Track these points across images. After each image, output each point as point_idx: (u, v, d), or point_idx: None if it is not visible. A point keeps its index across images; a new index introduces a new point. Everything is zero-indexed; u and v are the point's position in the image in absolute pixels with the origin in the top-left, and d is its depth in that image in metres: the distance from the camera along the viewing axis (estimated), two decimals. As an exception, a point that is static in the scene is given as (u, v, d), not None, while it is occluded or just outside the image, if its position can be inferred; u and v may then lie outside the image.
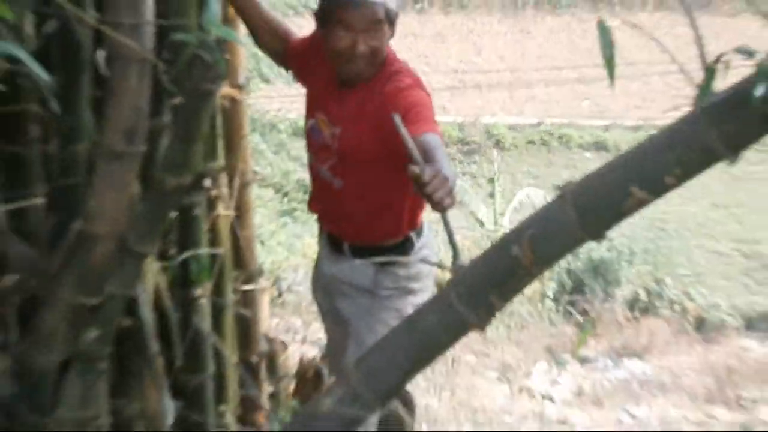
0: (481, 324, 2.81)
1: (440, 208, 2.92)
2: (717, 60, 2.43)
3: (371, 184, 3.86)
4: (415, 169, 2.87)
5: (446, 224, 2.91)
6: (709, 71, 2.41)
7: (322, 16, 3.82)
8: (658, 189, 2.61)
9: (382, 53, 3.80)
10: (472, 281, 2.80)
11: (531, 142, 24.42)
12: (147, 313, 3.74)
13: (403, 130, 2.83)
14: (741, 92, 2.40)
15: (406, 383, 3.09)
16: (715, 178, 17.76)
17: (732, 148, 2.48)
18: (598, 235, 2.69)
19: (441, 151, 3.34)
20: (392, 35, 3.85)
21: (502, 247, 2.74)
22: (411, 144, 2.83)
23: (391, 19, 3.77)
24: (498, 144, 23.63)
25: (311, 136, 4.03)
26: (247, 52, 4.43)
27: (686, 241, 18.34)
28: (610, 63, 2.47)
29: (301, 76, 4.10)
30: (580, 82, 24.60)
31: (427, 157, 3.11)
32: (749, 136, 2.46)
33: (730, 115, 2.47)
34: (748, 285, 18.11)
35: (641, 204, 2.65)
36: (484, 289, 2.79)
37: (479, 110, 23.92)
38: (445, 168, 3.08)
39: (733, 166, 2.56)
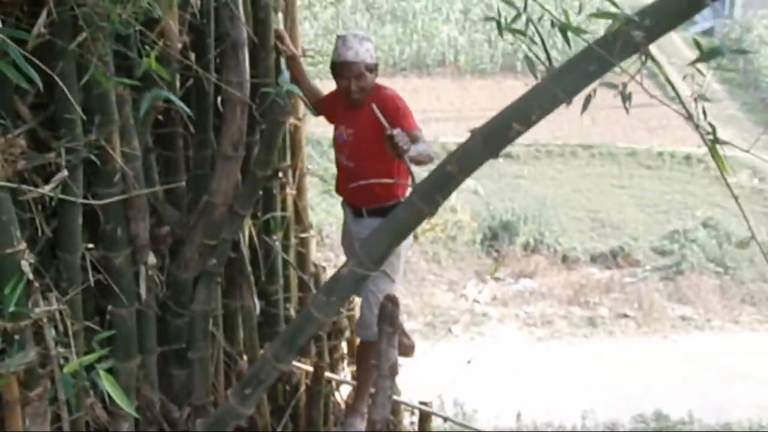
0: (431, 213, 4.65)
1: (401, 151, 5.03)
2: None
3: (370, 160, 5.98)
4: (389, 130, 5.06)
5: (406, 161, 4.96)
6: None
7: (333, 72, 6.02)
8: (528, 122, 4.26)
9: (369, 87, 5.97)
10: (425, 187, 4.62)
11: None
12: (244, 250, 5.88)
13: (379, 114, 5.02)
14: (568, 64, 4.06)
15: (389, 253, 5.02)
16: (572, 174, 28.11)
17: (568, 94, 4.07)
18: (494, 154, 4.45)
19: (421, 136, 5.55)
20: (376, 76, 6.03)
21: (443, 166, 4.54)
22: (384, 121, 4.98)
23: (370, 69, 5.96)
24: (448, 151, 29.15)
25: (337, 139, 6.16)
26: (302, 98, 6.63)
27: (557, 211, 26.26)
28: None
29: (327, 115, 6.23)
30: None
31: (413, 140, 5.27)
32: (576, 89, 4.04)
33: (565, 75, 4.06)
34: (592, 237, 26.27)
35: (519, 134, 4.31)
36: (432, 191, 4.59)
37: (438, 134, 29.51)
38: (420, 143, 5.30)
39: (568, 107, 4.17)
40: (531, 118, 4.24)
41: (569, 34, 4.08)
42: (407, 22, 45.26)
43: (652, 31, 3.78)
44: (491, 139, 4.39)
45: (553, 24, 4.07)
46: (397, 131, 5.10)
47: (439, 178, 4.58)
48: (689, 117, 3.80)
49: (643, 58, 3.84)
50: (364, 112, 5.88)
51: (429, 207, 4.61)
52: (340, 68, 5.84)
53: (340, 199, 6.21)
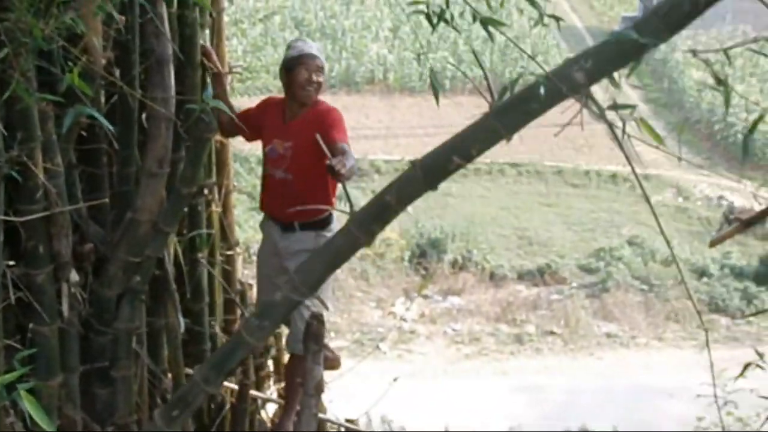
0: (368, 242, 4.65)
1: (341, 177, 5.13)
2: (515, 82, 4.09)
3: (310, 173, 6.01)
4: (330, 160, 5.12)
5: (344, 187, 4.95)
6: (503, 90, 4.08)
7: (290, 64, 6.03)
8: (467, 156, 4.28)
9: (321, 86, 6.02)
10: (363, 217, 4.60)
11: (397, 169, 32.11)
12: (169, 267, 5.85)
13: (322, 142, 5.06)
14: (513, 98, 4.06)
15: (324, 281, 5.03)
16: (500, 192, 28.89)
17: (509, 131, 4.15)
18: (434, 186, 4.44)
19: (348, 150, 5.61)
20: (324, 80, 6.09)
21: (381, 196, 4.58)
22: (326, 149, 5.03)
23: (323, 71, 6.01)
24: (377, 171, 32.85)
25: (269, 155, 6.18)
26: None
27: (485, 228, 27.33)
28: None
29: (253, 128, 6.20)
30: (427, 136, 34.00)
31: (341, 153, 5.34)
32: (516, 126, 4.12)
33: (506, 112, 4.10)
34: (519, 254, 27.12)
35: (459, 167, 4.35)
36: (369, 221, 4.61)
37: (366, 151, 32.41)
38: (349, 158, 5.33)
39: (509, 142, 4.25)
40: (471, 152, 4.29)
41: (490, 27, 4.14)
42: (336, 39, 45.41)
43: (594, 73, 3.85)
44: (431, 172, 4.42)
45: (474, 18, 4.13)
46: (336, 160, 5.21)
47: (377, 208, 4.62)
48: (614, 137, 3.86)
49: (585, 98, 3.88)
50: (301, 124, 5.96)
51: (366, 236, 4.63)
52: (303, 59, 5.90)
53: (260, 224, 6.23)
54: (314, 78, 5.96)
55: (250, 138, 6.35)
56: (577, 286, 25.17)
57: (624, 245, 27.31)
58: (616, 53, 3.83)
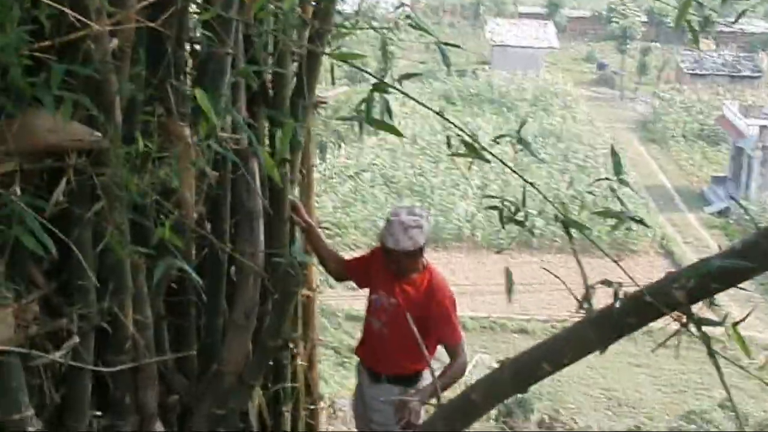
0: None
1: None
2: (591, 287, 3.89)
3: (407, 334, 6.04)
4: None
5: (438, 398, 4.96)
6: (585, 298, 3.94)
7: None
8: (558, 365, 4.18)
9: (411, 268, 6.05)
10: (447, 413, 4.52)
11: (483, 327, 34.88)
12: (253, 420, 5.86)
13: (415, 330, 5.07)
14: (607, 311, 3.90)
15: None
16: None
17: (603, 343, 4.04)
18: (523, 390, 4.41)
19: (459, 349, 5.91)
20: (421, 256, 6.11)
21: (467, 393, 4.47)
22: (420, 344, 5.05)
23: (410, 255, 6.00)
24: (464, 328, 30.66)
25: (373, 303, 6.25)
26: (317, 270, 6.69)
27: (573, 388, 27.32)
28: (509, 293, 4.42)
29: (359, 279, 6.39)
30: (513, 293, 33.97)
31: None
32: (611, 339, 3.99)
33: (601, 325, 3.96)
34: (608, 414, 27.03)
35: (548, 374, 4.23)
36: (454, 418, 4.50)
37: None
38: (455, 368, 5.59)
39: (602, 354, 4.43)
40: (563, 361, 4.20)
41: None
42: (425, 196, 45.90)
43: (695, 293, 3.71)
44: (519, 375, 4.33)
45: (556, 218, 4.10)
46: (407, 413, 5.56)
47: (462, 405, 4.53)
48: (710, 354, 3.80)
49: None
50: (410, 284, 6.00)
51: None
52: (386, 251, 5.96)
53: (355, 367, 6.27)
54: (393, 267, 6.05)
55: (361, 284, 6.43)
56: (668, 449, 24.63)
57: (716, 408, 26.71)
58: (721, 275, 3.62)
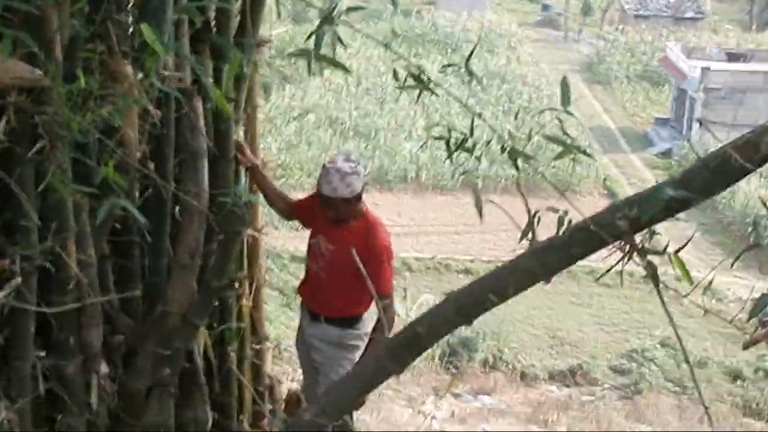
0: (399, 371, 4.61)
1: None
2: (534, 215, 4.00)
3: (343, 279, 6.09)
4: None
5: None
6: (529, 227, 4.01)
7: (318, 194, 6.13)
8: (503, 296, 4.21)
9: (351, 215, 6.06)
10: (394, 346, 4.55)
11: (428, 267, 34.87)
12: (198, 360, 5.84)
13: (364, 270, 5.05)
14: (551, 241, 3.96)
15: (355, 405, 5.09)
16: (531, 291, 26.00)
17: (547, 273, 4.10)
18: (467, 322, 4.43)
19: (389, 304, 5.94)
20: (358, 202, 6.10)
21: (412, 327, 4.47)
22: (369, 282, 5.03)
23: (349, 202, 6.00)
24: (409, 269, 33.97)
25: (313, 246, 6.31)
26: (263, 210, 6.67)
27: (517, 328, 27.53)
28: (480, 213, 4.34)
29: (304, 220, 6.43)
30: (457, 234, 36.63)
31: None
32: (555, 269, 4.08)
33: (545, 255, 4.03)
34: (551, 353, 27.27)
35: (493, 305, 4.25)
36: (400, 351, 4.54)
37: (398, 249, 31.92)
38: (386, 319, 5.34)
39: (547, 284, 4.45)
40: (508, 292, 4.22)
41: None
42: (370, 138, 45.78)
43: (638, 221, 3.74)
44: (465, 307, 4.36)
45: (502, 149, 4.09)
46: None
47: (408, 339, 4.52)
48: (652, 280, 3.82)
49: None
50: (347, 230, 6.03)
51: (396, 366, 4.58)
52: (323, 199, 5.97)
53: (299, 310, 6.31)
54: (333, 215, 6.10)
55: (307, 225, 6.53)
56: (609, 387, 24.92)
57: (657, 347, 27.08)
58: (662, 204, 3.68)
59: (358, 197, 6.04)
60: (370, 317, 6.28)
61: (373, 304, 5.95)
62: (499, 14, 73.13)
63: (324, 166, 6.02)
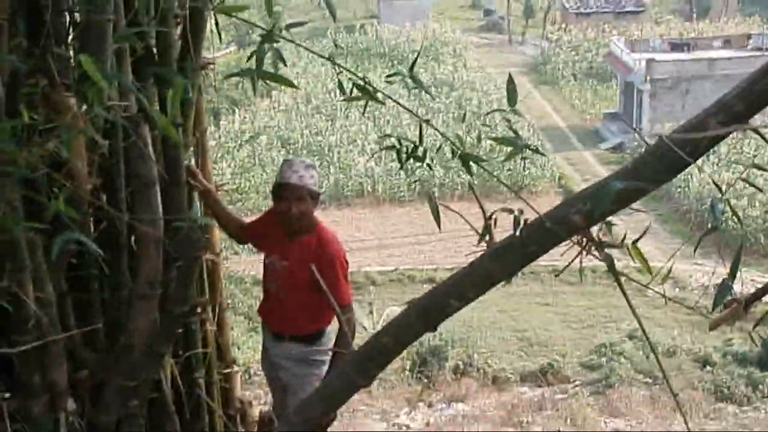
0: (366, 384, 4.54)
1: None
2: (490, 217, 3.96)
3: (302, 295, 6.11)
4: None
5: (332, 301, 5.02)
6: (486, 229, 3.98)
7: (274, 194, 6.13)
8: (465, 299, 4.16)
9: (308, 216, 6.08)
10: (359, 359, 4.50)
11: (392, 280, 35.24)
12: (166, 388, 5.80)
13: (322, 281, 5.06)
14: (508, 242, 3.91)
15: (325, 421, 5.05)
16: (496, 295, 28.58)
17: (507, 273, 4.04)
18: (432, 328, 4.33)
19: (348, 312, 5.93)
20: (316, 205, 6.15)
21: (377, 338, 4.45)
22: (329, 294, 5.01)
23: (312, 195, 6.07)
24: (373, 282, 34.25)
25: (269, 266, 6.32)
26: (220, 234, 6.66)
27: (484, 332, 27.60)
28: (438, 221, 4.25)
29: (257, 242, 6.44)
30: (418, 244, 37.11)
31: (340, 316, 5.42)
32: (514, 269, 4.01)
33: (503, 256, 3.95)
34: (521, 355, 27.37)
35: (456, 309, 4.20)
36: (366, 363, 4.48)
37: (361, 263, 34.30)
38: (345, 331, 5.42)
39: (508, 284, 4.45)
40: (468, 295, 4.18)
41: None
42: (324, 155, 45.83)
43: (592, 215, 3.72)
44: (427, 314, 4.31)
45: (453, 154, 4.08)
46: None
47: (374, 350, 4.48)
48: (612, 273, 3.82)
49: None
50: (300, 245, 6.04)
51: (363, 379, 4.52)
52: (282, 190, 6.00)
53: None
54: (294, 209, 6.02)
55: (260, 247, 6.55)
56: (581, 384, 25.04)
57: (625, 340, 27.24)
58: (614, 196, 3.64)
59: (317, 198, 6.07)
60: (333, 331, 6.27)
61: (335, 318, 5.96)
62: (442, 23, 73.44)
63: (285, 161, 6.13)
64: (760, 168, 3.95)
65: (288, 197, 6.04)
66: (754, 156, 40.22)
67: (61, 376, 5.05)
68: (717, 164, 40.32)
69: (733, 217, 3.92)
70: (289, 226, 6.13)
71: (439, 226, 4.29)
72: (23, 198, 4.64)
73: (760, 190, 4.81)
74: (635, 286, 4.00)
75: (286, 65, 3.95)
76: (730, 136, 3.58)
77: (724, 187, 3.59)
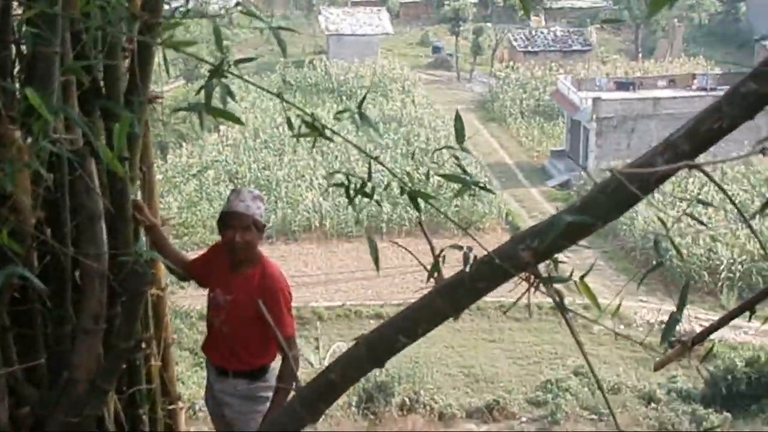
0: (314, 420, 4.51)
1: None
2: (440, 254, 3.98)
3: (246, 329, 6.08)
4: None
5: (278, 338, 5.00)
6: (435, 266, 4.00)
7: (219, 222, 6.11)
8: (413, 335, 4.17)
9: (253, 247, 6.06)
10: (307, 395, 4.50)
11: (339, 315, 35.09)
12: (109, 425, 5.72)
13: (267, 314, 5.06)
14: (457, 278, 3.93)
15: None
16: (443, 331, 27.77)
17: (455, 310, 4.04)
18: (380, 364, 4.35)
19: (292, 345, 5.91)
20: (261, 236, 6.13)
21: (324, 373, 4.44)
22: (273, 326, 5.02)
23: (257, 226, 6.05)
24: (320, 318, 34.34)
25: (212, 301, 6.29)
26: (165, 268, 6.60)
27: (431, 368, 27.57)
28: (377, 262, 4.31)
29: (200, 277, 6.41)
30: (366, 279, 36.86)
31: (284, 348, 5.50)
32: (462, 305, 4.02)
33: (452, 292, 3.98)
34: (468, 391, 27.45)
35: (404, 346, 4.21)
36: (314, 399, 4.48)
37: (308, 298, 34.80)
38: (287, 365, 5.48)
39: (456, 320, 4.44)
40: (417, 331, 4.19)
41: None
42: (271, 189, 45.72)
43: (541, 252, 3.74)
44: (376, 350, 4.32)
45: (402, 191, 4.08)
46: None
47: (322, 386, 4.48)
48: (559, 308, 3.83)
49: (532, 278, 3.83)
50: (244, 278, 6.02)
51: (311, 414, 4.50)
52: (228, 218, 6.01)
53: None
54: (239, 239, 6.01)
55: (202, 284, 6.44)
56: (527, 420, 25.09)
57: (570, 376, 27.35)
58: (563, 232, 3.65)
59: (262, 229, 6.08)
60: (278, 368, 6.25)
61: (279, 355, 5.96)
62: (390, 59, 73.75)
63: (233, 190, 6.14)
64: (704, 203, 4.00)
65: (234, 225, 6.03)
66: (698, 194, 40.64)
67: (2, 413, 4.98)
68: (662, 202, 40.70)
69: (678, 255, 3.96)
70: (234, 256, 6.11)
71: (377, 267, 4.28)
72: (-35, 231, 4.56)
73: (704, 224, 4.88)
74: (580, 323, 4.03)
75: (235, 100, 3.94)
76: (676, 174, 3.61)
77: (669, 224, 3.61)
